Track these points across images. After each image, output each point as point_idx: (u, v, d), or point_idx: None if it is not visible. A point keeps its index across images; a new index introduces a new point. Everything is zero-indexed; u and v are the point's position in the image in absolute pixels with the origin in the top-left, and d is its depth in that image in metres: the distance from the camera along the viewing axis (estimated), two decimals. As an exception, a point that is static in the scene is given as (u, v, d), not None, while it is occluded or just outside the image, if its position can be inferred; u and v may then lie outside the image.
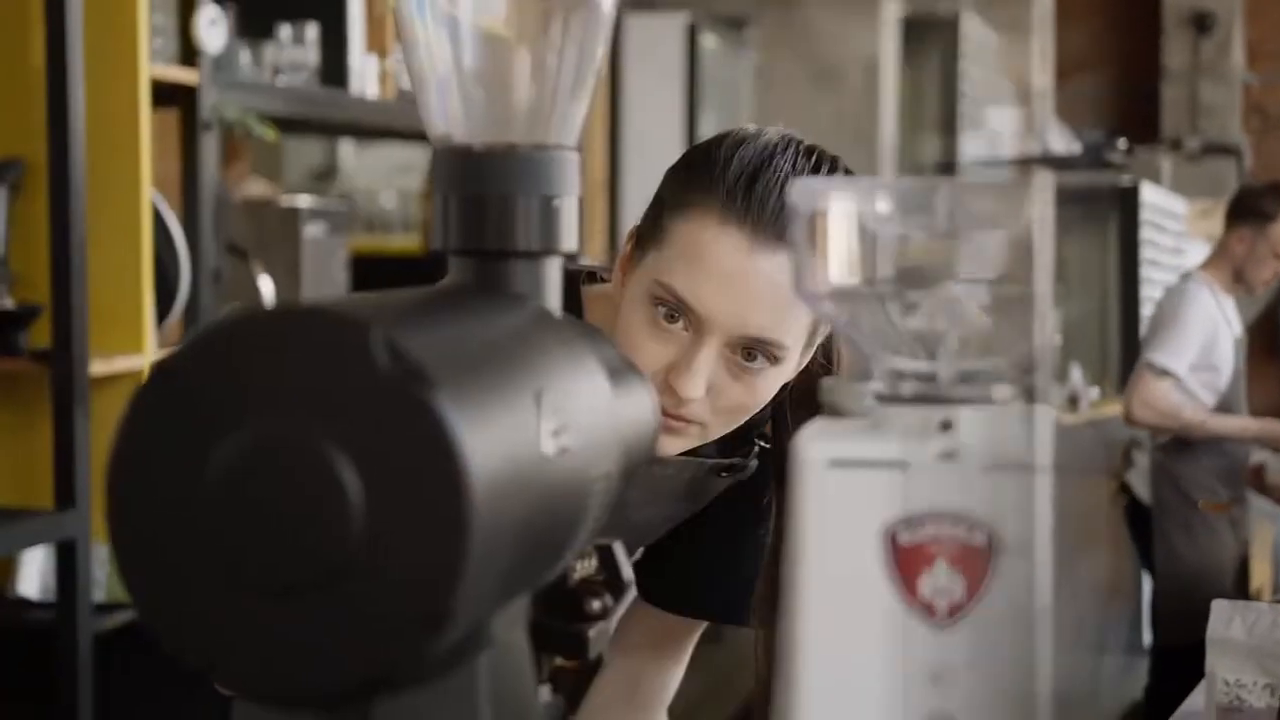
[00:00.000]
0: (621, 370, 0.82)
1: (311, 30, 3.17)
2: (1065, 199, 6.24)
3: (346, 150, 5.82)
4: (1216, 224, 8.49)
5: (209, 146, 2.74)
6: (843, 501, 0.67)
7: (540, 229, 0.75)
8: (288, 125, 3.47)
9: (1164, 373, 4.35)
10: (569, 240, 0.77)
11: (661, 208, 1.29)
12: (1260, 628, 1.85)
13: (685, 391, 1.24)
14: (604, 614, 0.83)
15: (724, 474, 1.42)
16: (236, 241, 3.06)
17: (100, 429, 2.43)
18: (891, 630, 0.66)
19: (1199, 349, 4.39)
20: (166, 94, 2.70)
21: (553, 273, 0.77)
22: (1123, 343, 7.44)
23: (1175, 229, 7.61)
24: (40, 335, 2.42)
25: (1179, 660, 4.33)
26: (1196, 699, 2.09)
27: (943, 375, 0.68)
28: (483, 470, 0.59)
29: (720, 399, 1.27)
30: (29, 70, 2.45)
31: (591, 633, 0.81)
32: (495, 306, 0.72)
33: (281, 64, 3.10)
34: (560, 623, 0.81)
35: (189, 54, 2.73)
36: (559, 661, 0.88)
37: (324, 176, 5.89)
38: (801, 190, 0.68)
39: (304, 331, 0.60)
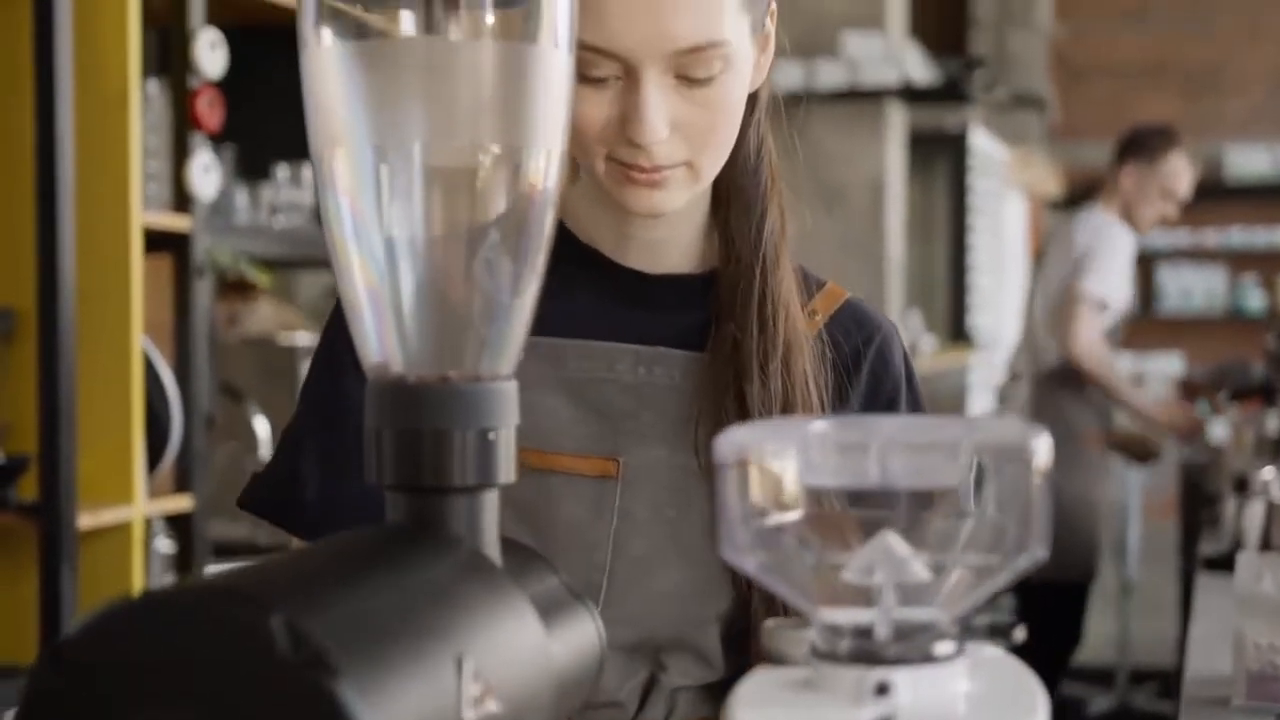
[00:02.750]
0: (560, 602, 0.79)
1: (308, 170, 3.18)
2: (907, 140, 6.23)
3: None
4: (1037, 173, 8.61)
5: (202, 292, 2.74)
6: (775, 769, 0.64)
7: (477, 463, 0.73)
8: (286, 263, 3.48)
9: (1102, 304, 4.34)
10: (507, 472, 0.75)
11: None
12: None
13: (648, 137, 1.12)
14: None
15: None
16: (232, 382, 3.05)
17: (88, 584, 2.41)
18: None
19: (1120, 284, 4.42)
20: (160, 240, 2.70)
21: (490, 507, 0.75)
22: (950, 289, 7.43)
23: (998, 176, 7.69)
24: (28, 487, 2.41)
25: (1047, 595, 4.29)
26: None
27: (880, 631, 0.66)
28: (391, 756, 0.57)
29: (690, 130, 1.15)
30: (20, 218, 2.45)
31: None
32: (422, 557, 0.70)
33: (278, 204, 3.11)
34: None
35: (183, 198, 2.73)
36: None
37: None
38: (726, 441, 0.66)
39: (203, 614, 0.58)
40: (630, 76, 1.13)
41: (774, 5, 1.23)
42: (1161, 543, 6.05)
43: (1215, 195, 9.50)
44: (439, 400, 0.73)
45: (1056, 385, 4.45)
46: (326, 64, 0.73)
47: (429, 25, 0.74)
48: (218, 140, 2.87)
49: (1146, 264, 9.92)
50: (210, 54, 2.75)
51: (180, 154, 2.72)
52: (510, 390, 0.75)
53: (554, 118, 0.75)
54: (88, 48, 2.51)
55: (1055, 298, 4.45)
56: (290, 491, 1.27)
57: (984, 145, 7.66)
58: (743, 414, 1.22)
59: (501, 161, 0.75)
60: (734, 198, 1.27)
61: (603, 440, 1.23)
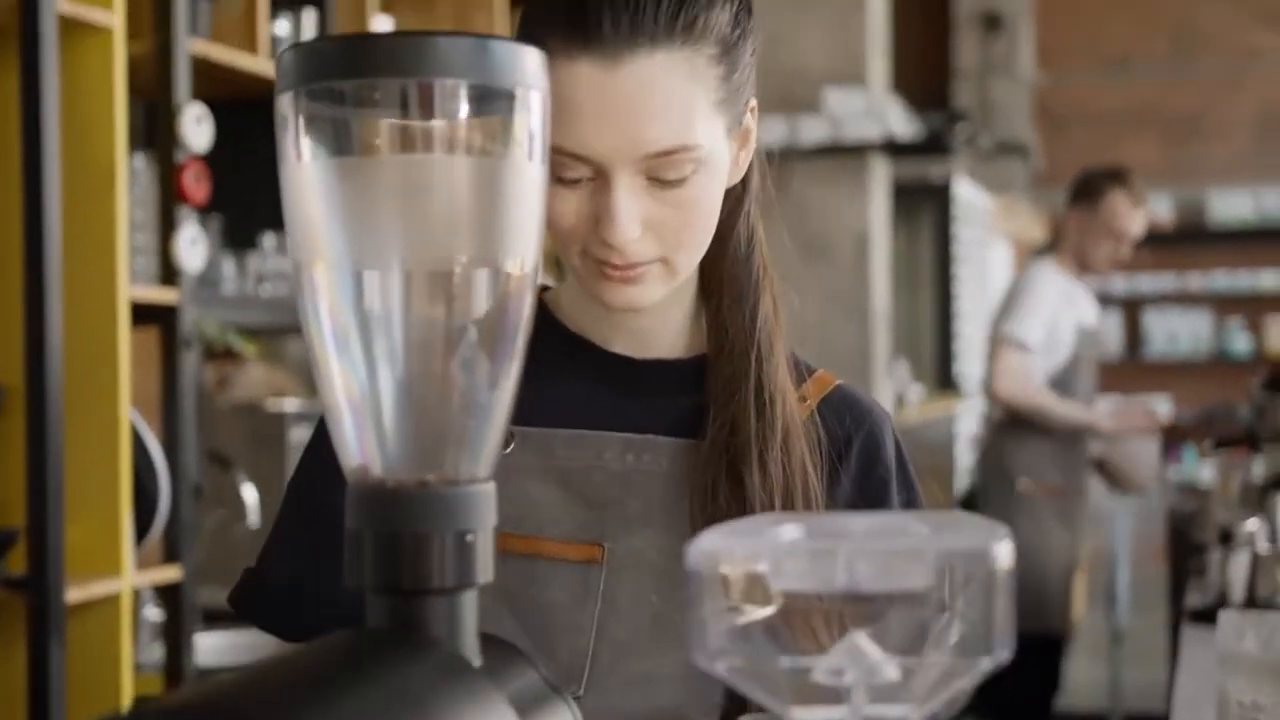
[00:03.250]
0: (539, 698, 0.80)
1: (294, 238, 3.19)
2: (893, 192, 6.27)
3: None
4: (1021, 221, 8.69)
5: (189, 363, 2.75)
6: None
7: (455, 565, 0.75)
8: (275, 331, 3.49)
9: (1021, 345, 4.38)
10: (484, 572, 0.76)
11: None
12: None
13: (619, 237, 1.14)
14: None
15: None
16: (219, 450, 3.06)
17: (77, 657, 2.42)
18: None
19: (1044, 327, 4.44)
20: (147, 312, 2.71)
21: (468, 607, 0.76)
22: (937, 338, 7.47)
23: (982, 224, 7.74)
24: (17, 561, 2.41)
25: (1019, 647, 4.23)
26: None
27: (850, 731, 0.67)
28: None
29: (662, 230, 1.17)
30: (7, 293, 2.47)
31: None
32: (401, 662, 0.71)
33: (265, 273, 3.13)
34: None
35: (170, 271, 2.74)
36: None
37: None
38: (697, 549, 0.67)
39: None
40: (601, 178, 1.15)
41: (754, 101, 1.24)
42: (1151, 589, 6.06)
43: (1199, 240, 9.58)
44: (418, 504, 0.75)
45: (1002, 435, 4.51)
46: (306, 180, 0.75)
47: (405, 135, 0.76)
48: (204, 211, 2.89)
49: (1133, 308, 9.99)
50: (196, 128, 2.77)
51: (167, 227, 2.74)
52: (488, 492, 0.77)
53: (529, 225, 0.77)
54: (74, 123, 2.54)
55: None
56: (270, 593, 1.29)
57: (968, 194, 7.71)
58: (740, 501, 1.22)
59: (478, 269, 0.76)
60: (726, 287, 1.28)
61: (588, 527, 1.24)
